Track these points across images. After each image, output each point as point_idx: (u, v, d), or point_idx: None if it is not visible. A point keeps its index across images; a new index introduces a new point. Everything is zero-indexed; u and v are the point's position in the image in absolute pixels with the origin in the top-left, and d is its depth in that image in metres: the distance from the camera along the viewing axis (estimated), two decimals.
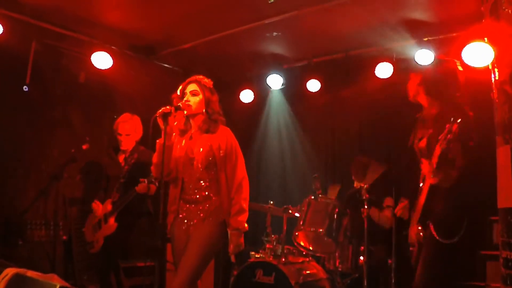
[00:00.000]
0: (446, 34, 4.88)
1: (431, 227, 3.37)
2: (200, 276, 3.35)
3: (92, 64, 5.25)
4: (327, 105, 6.34)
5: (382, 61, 5.31)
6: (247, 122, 6.88)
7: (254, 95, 6.35)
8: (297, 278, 4.19)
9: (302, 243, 4.59)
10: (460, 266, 3.41)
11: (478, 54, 3.76)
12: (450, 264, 3.34)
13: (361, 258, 4.42)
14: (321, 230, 4.38)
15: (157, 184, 4.28)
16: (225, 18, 4.94)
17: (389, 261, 4.38)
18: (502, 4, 2.60)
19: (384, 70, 5.32)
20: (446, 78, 3.71)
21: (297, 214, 4.58)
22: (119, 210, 4.47)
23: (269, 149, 6.86)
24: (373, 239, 4.48)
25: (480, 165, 3.42)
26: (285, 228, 4.54)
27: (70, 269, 5.19)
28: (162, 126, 3.21)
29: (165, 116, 3.19)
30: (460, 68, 3.78)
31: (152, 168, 3.53)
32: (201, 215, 3.36)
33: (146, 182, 4.24)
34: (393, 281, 4.13)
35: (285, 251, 4.47)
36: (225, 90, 5.22)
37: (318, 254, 4.69)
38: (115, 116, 4.86)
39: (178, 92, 3.50)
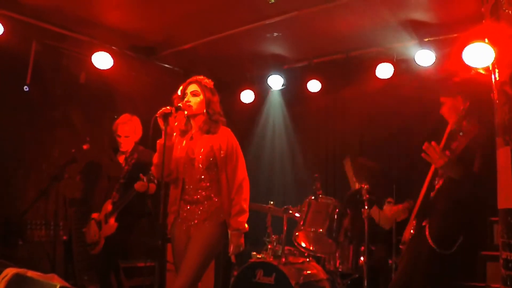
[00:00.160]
0: (447, 34, 4.88)
1: (427, 232, 3.34)
2: (202, 276, 3.35)
3: (93, 65, 5.26)
4: (327, 105, 6.35)
5: (383, 62, 5.31)
6: (248, 122, 6.88)
7: (254, 95, 6.36)
8: (297, 279, 4.19)
9: (302, 244, 4.60)
10: (459, 269, 3.39)
11: (478, 55, 3.76)
12: (448, 269, 3.32)
13: (362, 258, 4.42)
14: (321, 230, 4.38)
15: (156, 182, 4.28)
16: (226, 18, 4.94)
17: (389, 262, 4.38)
18: (503, 5, 2.59)
19: (384, 71, 5.32)
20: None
21: (297, 215, 4.58)
22: (119, 210, 4.48)
23: (270, 149, 6.86)
24: (374, 240, 4.48)
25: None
26: (285, 228, 4.54)
27: (70, 269, 5.19)
28: (162, 126, 3.20)
29: (166, 116, 3.19)
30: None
31: (152, 168, 3.53)
32: (202, 215, 3.36)
33: (145, 179, 4.24)
34: (392, 280, 4.13)
35: (285, 252, 4.47)
36: (226, 90, 5.23)
37: (318, 255, 4.69)
38: (115, 116, 4.86)
39: (179, 93, 3.49)
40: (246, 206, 3.41)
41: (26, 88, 5.09)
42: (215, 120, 3.47)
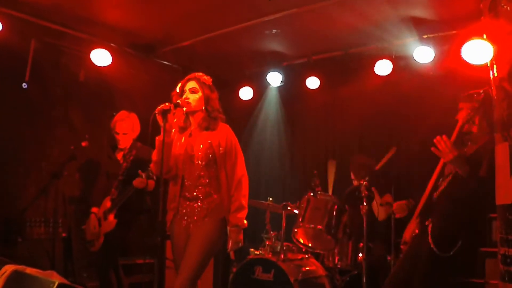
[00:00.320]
0: (446, 31, 4.88)
1: (429, 231, 3.35)
2: (202, 273, 3.35)
3: (92, 62, 5.25)
4: (326, 102, 6.35)
5: (382, 59, 5.31)
6: (246, 119, 6.89)
7: (253, 92, 6.36)
8: (296, 275, 4.19)
9: (301, 240, 4.60)
10: (458, 269, 3.39)
11: (477, 51, 3.76)
12: (447, 269, 3.32)
13: (360, 255, 4.42)
14: (320, 227, 4.38)
15: (154, 178, 4.28)
16: (224, 15, 4.94)
17: (388, 258, 4.39)
18: (501, 1, 2.59)
19: (383, 68, 5.32)
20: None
21: (296, 211, 4.58)
22: (118, 206, 4.48)
23: (268, 146, 6.87)
24: (372, 236, 4.49)
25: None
26: (284, 225, 4.55)
27: (69, 267, 5.19)
28: (161, 123, 3.20)
29: (164, 113, 3.18)
30: None
31: (151, 165, 3.53)
32: (202, 212, 3.36)
33: (144, 176, 4.24)
34: (388, 277, 4.14)
35: (284, 248, 4.48)
36: (225, 87, 5.23)
37: (317, 251, 4.70)
38: (114, 114, 4.86)
39: (177, 90, 3.49)
40: (245, 202, 3.41)
41: (24, 85, 5.08)
42: (214, 117, 3.47)
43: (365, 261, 4.27)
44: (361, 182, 4.44)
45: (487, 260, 4.05)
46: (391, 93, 5.57)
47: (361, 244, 4.39)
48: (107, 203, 4.55)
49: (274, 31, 5.23)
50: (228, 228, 3.39)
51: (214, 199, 3.39)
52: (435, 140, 3.23)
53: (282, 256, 4.37)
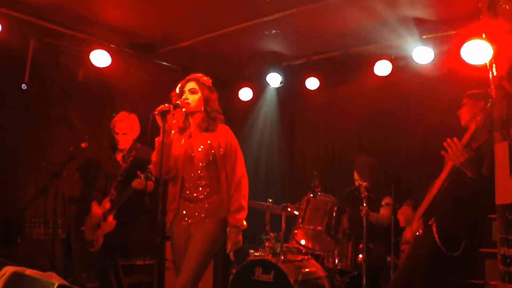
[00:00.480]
0: (445, 31, 4.88)
1: (434, 230, 3.35)
2: (203, 275, 3.35)
3: (91, 62, 5.25)
4: (326, 102, 6.35)
5: (381, 59, 5.31)
6: (246, 119, 6.89)
7: (253, 93, 6.36)
8: (296, 276, 4.19)
9: (301, 241, 4.60)
10: (461, 268, 3.39)
11: (477, 51, 3.76)
12: (451, 269, 3.32)
13: (360, 256, 4.42)
14: (320, 228, 4.37)
15: (154, 179, 4.27)
16: (224, 16, 4.94)
17: (388, 259, 4.39)
18: (500, 0, 2.59)
19: (382, 68, 5.33)
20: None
21: (296, 212, 4.58)
22: (117, 207, 4.47)
23: (268, 146, 6.87)
24: (372, 237, 4.48)
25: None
26: (284, 226, 4.54)
27: (69, 267, 5.19)
28: (160, 124, 3.20)
29: (164, 114, 3.17)
30: None
31: (151, 166, 3.53)
32: (202, 213, 3.35)
33: (142, 177, 4.23)
34: (392, 278, 4.14)
35: (284, 249, 4.47)
36: (224, 88, 5.23)
37: (317, 252, 4.69)
38: (113, 114, 4.86)
39: (177, 90, 3.48)
40: (245, 203, 3.41)
41: (24, 86, 5.08)
42: (213, 118, 3.46)
43: (365, 262, 4.26)
44: (361, 183, 4.43)
45: (487, 261, 4.04)
46: (391, 93, 5.57)
47: (361, 245, 4.38)
48: (107, 204, 4.54)
49: (273, 31, 5.23)
50: (228, 228, 3.38)
51: (214, 199, 3.38)
52: (445, 143, 3.23)
53: (282, 257, 4.37)
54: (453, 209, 3.36)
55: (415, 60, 5.01)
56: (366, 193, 4.34)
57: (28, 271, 2.30)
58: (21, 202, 5.08)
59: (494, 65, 2.74)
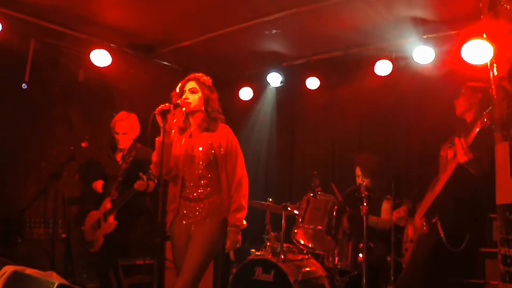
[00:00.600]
0: (446, 31, 4.88)
1: (439, 226, 3.35)
2: (203, 275, 3.35)
3: (91, 63, 5.25)
4: (326, 102, 6.35)
5: (381, 59, 5.30)
6: (246, 119, 6.88)
7: (253, 93, 6.35)
8: (296, 276, 4.19)
9: (301, 241, 4.59)
10: (464, 266, 3.40)
11: (477, 51, 3.75)
12: (454, 266, 3.33)
13: (360, 255, 4.42)
14: (320, 227, 4.36)
15: (156, 181, 4.27)
16: (224, 16, 4.94)
17: (388, 259, 4.38)
18: (500, 0, 2.59)
19: (383, 68, 5.32)
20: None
21: (296, 212, 4.58)
22: (118, 208, 4.47)
23: (268, 146, 6.87)
24: (372, 237, 4.48)
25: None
26: (284, 225, 4.54)
27: (69, 267, 5.18)
28: (161, 124, 3.19)
29: (164, 113, 3.17)
30: None
31: (152, 166, 3.52)
32: (202, 213, 3.35)
33: (145, 178, 4.23)
34: (392, 278, 4.14)
35: (284, 249, 4.47)
36: (224, 88, 5.21)
37: (317, 252, 4.69)
38: (114, 114, 4.86)
39: (177, 90, 3.48)
40: (245, 203, 3.41)
41: (24, 85, 5.08)
42: (213, 118, 3.46)
43: (365, 262, 4.26)
44: (362, 182, 4.43)
45: (487, 261, 4.05)
46: (391, 93, 5.57)
47: (361, 245, 4.38)
48: (107, 204, 4.54)
49: (274, 31, 5.23)
50: (227, 228, 3.38)
51: (215, 199, 3.38)
52: (456, 138, 3.25)
53: (282, 257, 4.37)
54: (454, 209, 3.38)
55: (416, 60, 5.00)
56: (366, 193, 4.34)
57: (28, 270, 2.29)
58: (21, 202, 5.07)
59: (494, 66, 2.74)
